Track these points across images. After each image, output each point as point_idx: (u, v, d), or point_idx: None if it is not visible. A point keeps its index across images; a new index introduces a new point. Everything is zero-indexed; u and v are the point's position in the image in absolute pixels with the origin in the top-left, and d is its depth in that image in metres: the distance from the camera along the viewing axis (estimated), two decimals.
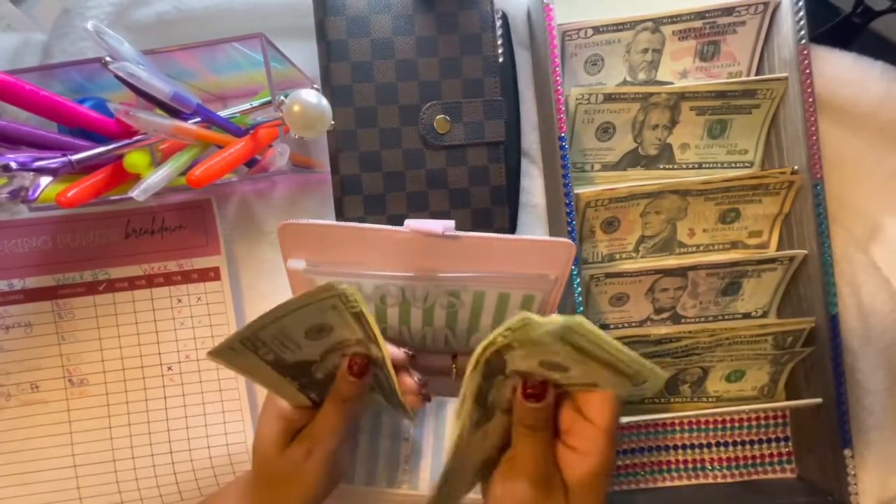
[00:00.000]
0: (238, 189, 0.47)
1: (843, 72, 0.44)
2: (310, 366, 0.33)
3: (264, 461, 0.35)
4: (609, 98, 0.43)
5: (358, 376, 0.34)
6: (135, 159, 0.36)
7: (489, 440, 0.33)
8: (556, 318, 0.25)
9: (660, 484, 0.47)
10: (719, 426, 0.47)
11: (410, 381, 0.36)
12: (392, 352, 0.34)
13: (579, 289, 0.41)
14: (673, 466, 0.47)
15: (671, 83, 0.46)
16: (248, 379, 0.32)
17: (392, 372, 0.33)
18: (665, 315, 0.47)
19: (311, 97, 0.35)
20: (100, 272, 0.45)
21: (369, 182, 0.43)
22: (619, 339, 0.43)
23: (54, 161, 0.33)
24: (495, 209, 0.44)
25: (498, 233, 0.40)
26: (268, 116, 0.39)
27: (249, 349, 0.30)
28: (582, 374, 0.29)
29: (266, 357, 0.31)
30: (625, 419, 0.45)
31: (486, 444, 0.33)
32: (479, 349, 0.28)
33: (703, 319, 0.47)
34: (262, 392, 0.46)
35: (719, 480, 0.47)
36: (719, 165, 0.47)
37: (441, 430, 0.42)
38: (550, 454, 0.31)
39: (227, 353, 0.29)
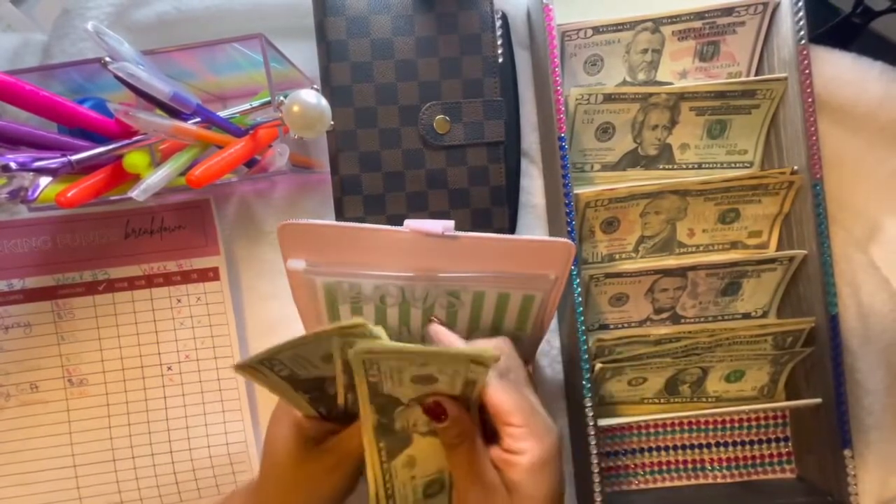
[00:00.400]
0: (238, 189, 0.47)
1: (842, 72, 0.44)
2: (323, 381, 0.33)
3: (276, 467, 0.34)
4: (609, 98, 0.43)
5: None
6: (134, 159, 0.36)
7: (420, 467, 0.33)
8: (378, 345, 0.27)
9: (660, 484, 0.47)
10: (719, 426, 0.47)
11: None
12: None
13: (579, 289, 0.41)
14: (673, 466, 0.47)
15: (671, 83, 0.46)
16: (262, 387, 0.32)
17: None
18: (665, 315, 0.47)
19: (311, 97, 0.35)
20: (99, 272, 0.45)
21: (369, 182, 0.43)
22: (619, 339, 0.43)
23: (54, 161, 0.33)
24: (495, 209, 0.44)
25: (498, 233, 0.40)
26: (267, 117, 0.39)
27: (266, 367, 0.30)
28: (451, 377, 0.29)
29: (281, 373, 0.31)
30: (625, 419, 0.45)
31: (419, 471, 0.33)
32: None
33: (702, 319, 0.47)
34: (261, 393, 0.46)
35: (719, 480, 0.47)
36: (719, 165, 0.47)
37: None
38: (482, 461, 0.31)
39: (246, 370, 0.30)
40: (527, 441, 0.30)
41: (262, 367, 0.30)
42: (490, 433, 0.32)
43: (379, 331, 0.29)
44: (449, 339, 0.35)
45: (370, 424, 0.30)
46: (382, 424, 0.31)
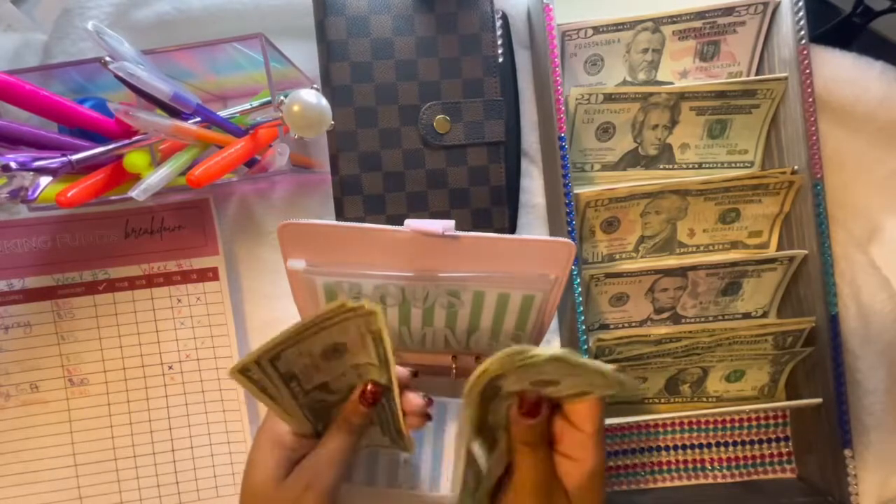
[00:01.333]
0: (238, 189, 0.47)
1: (842, 72, 0.44)
2: (321, 390, 0.33)
3: (258, 495, 0.32)
4: (609, 98, 0.43)
5: (370, 405, 0.32)
6: (135, 159, 0.36)
7: (503, 462, 0.33)
8: (545, 352, 0.27)
9: (660, 484, 0.47)
10: (719, 426, 0.47)
11: (417, 399, 0.34)
12: (399, 371, 0.33)
13: (579, 289, 0.41)
14: (673, 466, 0.47)
15: (671, 83, 0.46)
16: (258, 400, 0.31)
17: (398, 398, 0.32)
18: (665, 315, 0.47)
19: (311, 97, 0.35)
20: (99, 272, 0.45)
21: (369, 182, 0.43)
22: (619, 339, 0.43)
23: (54, 161, 0.33)
24: (495, 209, 0.44)
25: (498, 233, 0.40)
26: (267, 116, 0.39)
27: (269, 366, 0.29)
28: (571, 385, 0.30)
29: (283, 374, 0.30)
30: (625, 419, 0.45)
31: (501, 467, 0.33)
32: (473, 377, 0.28)
33: (703, 319, 0.47)
34: None
35: (719, 480, 0.47)
36: (719, 165, 0.47)
37: (440, 431, 0.42)
38: (550, 466, 0.31)
39: (243, 374, 0.29)
40: (590, 451, 0.30)
41: (264, 367, 0.29)
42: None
43: (377, 311, 0.29)
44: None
45: (472, 421, 0.30)
46: (481, 419, 0.31)
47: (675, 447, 0.47)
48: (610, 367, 0.28)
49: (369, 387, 0.32)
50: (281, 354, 0.29)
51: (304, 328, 0.28)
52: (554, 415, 0.31)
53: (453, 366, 0.43)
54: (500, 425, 0.32)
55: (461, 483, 0.31)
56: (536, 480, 0.31)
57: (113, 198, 0.40)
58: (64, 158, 0.34)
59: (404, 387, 0.34)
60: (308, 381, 0.31)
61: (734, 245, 0.46)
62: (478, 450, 0.31)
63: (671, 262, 0.45)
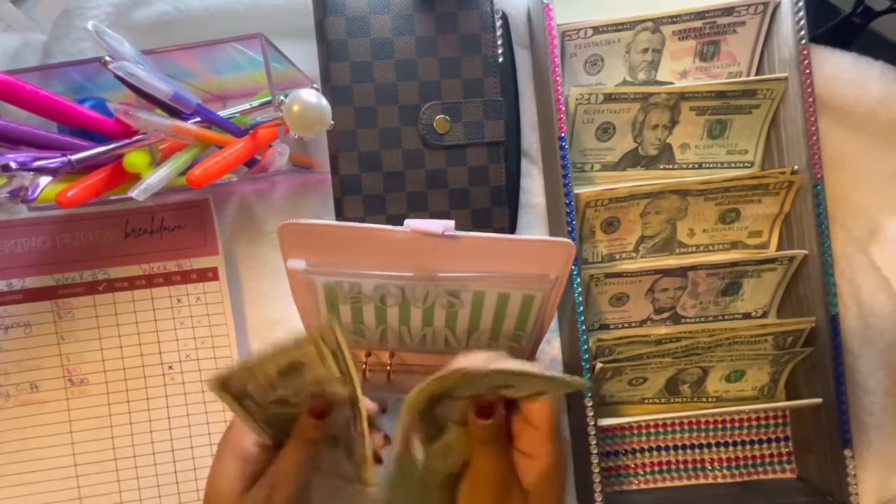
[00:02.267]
0: (238, 189, 0.47)
1: (842, 72, 0.44)
2: (279, 404, 0.33)
3: None
4: (609, 98, 0.43)
5: (318, 417, 0.33)
6: (134, 159, 0.36)
7: (451, 456, 0.33)
8: (482, 367, 0.28)
9: (660, 484, 0.47)
10: (719, 426, 0.47)
11: (371, 405, 0.35)
12: (367, 405, 0.33)
13: (579, 289, 0.41)
14: (673, 466, 0.47)
15: (671, 83, 0.46)
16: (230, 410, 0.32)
17: (363, 408, 0.32)
18: (665, 315, 0.47)
19: (311, 97, 0.35)
20: (99, 272, 0.45)
21: (369, 182, 0.43)
22: (619, 339, 0.43)
23: (54, 161, 0.33)
24: (495, 209, 0.44)
25: (498, 233, 0.40)
26: (267, 116, 0.39)
27: (235, 386, 0.30)
28: (526, 387, 0.31)
29: (244, 390, 0.31)
30: (625, 419, 0.45)
31: (449, 461, 0.33)
32: (413, 393, 0.29)
33: (703, 319, 0.47)
34: None
35: (719, 480, 0.47)
36: (719, 165, 0.47)
37: None
38: (507, 463, 0.32)
39: (220, 384, 0.30)
40: (547, 446, 0.31)
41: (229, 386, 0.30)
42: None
43: (333, 329, 0.29)
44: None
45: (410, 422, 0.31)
46: (427, 412, 0.31)
47: (675, 447, 0.47)
48: (552, 372, 0.29)
49: (315, 399, 0.33)
50: (240, 376, 0.30)
51: (256, 365, 0.29)
52: (513, 413, 0.32)
53: None
54: (450, 418, 0.33)
55: (395, 471, 0.32)
56: (492, 476, 0.31)
57: (113, 198, 0.40)
58: (64, 158, 0.34)
59: (371, 419, 0.35)
60: (263, 398, 0.32)
61: (734, 245, 0.46)
62: (416, 444, 0.32)
63: (671, 262, 0.45)
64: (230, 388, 0.30)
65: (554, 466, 0.31)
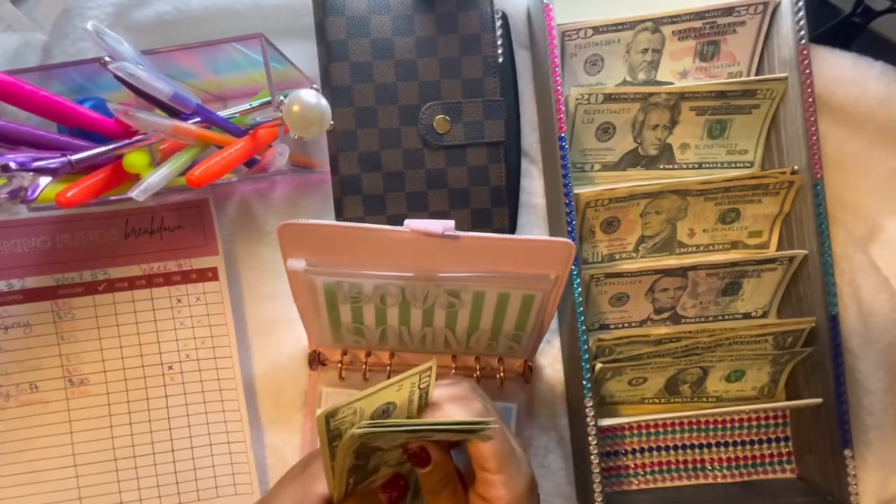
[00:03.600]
0: (238, 189, 0.47)
1: (842, 72, 0.44)
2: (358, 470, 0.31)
3: None
4: (609, 98, 0.43)
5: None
6: (134, 159, 0.36)
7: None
8: (365, 430, 0.26)
9: (660, 484, 0.47)
10: (719, 426, 0.47)
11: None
12: None
13: (579, 289, 0.41)
14: (673, 466, 0.47)
15: (671, 83, 0.46)
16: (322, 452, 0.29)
17: None
18: (665, 315, 0.47)
19: (311, 97, 0.35)
20: (99, 272, 0.45)
21: (369, 182, 0.43)
22: (619, 339, 0.43)
23: (54, 161, 0.33)
24: (495, 209, 0.44)
25: (498, 233, 0.40)
26: (267, 116, 0.39)
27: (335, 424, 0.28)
28: (441, 436, 0.29)
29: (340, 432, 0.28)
30: (625, 419, 0.45)
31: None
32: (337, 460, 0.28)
33: (703, 319, 0.47)
34: (261, 394, 0.46)
35: (719, 480, 0.47)
36: (719, 165, 0.47)
37: None
38: None
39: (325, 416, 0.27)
40: (500, 489, 0.30)
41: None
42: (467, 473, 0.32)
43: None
44: (446, 412, 0.32)
45: (344, 466, 0.29)
46: (357, 465, 0.29)
47: (675, 447, 0.47)
48: (455, 419, 0.28)
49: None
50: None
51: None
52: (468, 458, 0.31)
53: (453, 366, 0.43)
54: (383, 462, 0.31)
55: None
56: None
57: (113, 198, 0.40)
58: (63, 158, 0.33)
59: None
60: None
61: (734, 245, 0.46)
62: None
63: (671, 262, 0.45)
64: (331, 424, 0.28)
65: None
